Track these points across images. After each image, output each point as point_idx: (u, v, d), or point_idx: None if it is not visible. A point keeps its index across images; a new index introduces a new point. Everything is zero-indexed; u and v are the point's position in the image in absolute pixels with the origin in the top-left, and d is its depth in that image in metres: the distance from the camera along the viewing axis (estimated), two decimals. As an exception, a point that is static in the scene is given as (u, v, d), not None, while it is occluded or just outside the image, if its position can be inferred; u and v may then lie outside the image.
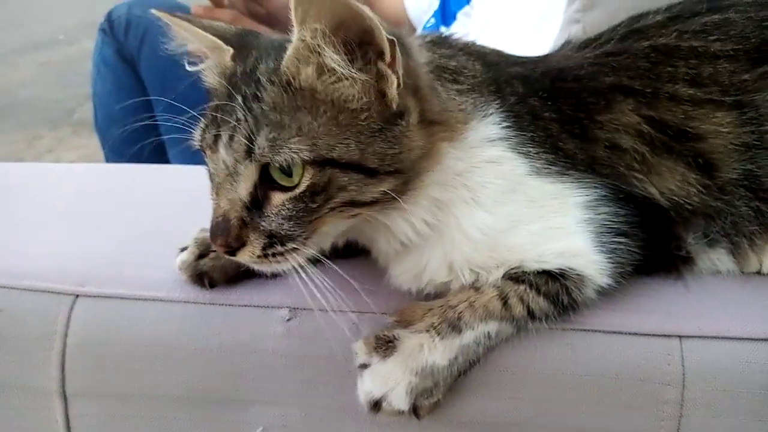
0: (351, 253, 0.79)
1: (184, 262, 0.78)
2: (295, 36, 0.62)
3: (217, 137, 0.66)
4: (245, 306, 0.76)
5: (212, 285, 0.77)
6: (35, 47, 6.01)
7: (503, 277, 0.72)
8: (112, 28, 1.63)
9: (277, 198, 0.65)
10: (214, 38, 0.71)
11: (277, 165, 0.63)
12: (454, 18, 1.62)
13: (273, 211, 0.65)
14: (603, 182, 0.73)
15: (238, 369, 0.75)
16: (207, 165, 0.70)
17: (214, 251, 0.78)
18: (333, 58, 0.62)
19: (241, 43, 0.72)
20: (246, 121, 0.63)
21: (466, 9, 1.58)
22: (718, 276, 0.79)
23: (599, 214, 0.72)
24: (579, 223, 0.72)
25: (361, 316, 0.74)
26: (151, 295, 0.77)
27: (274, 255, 0.66)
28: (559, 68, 0.79)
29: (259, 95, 0.64)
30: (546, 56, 0.86)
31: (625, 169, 0.74)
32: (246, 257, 0.67)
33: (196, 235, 0.80)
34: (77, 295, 0.77)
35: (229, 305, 0.76)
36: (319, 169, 0.63)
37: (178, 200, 0.98)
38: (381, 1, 1.92)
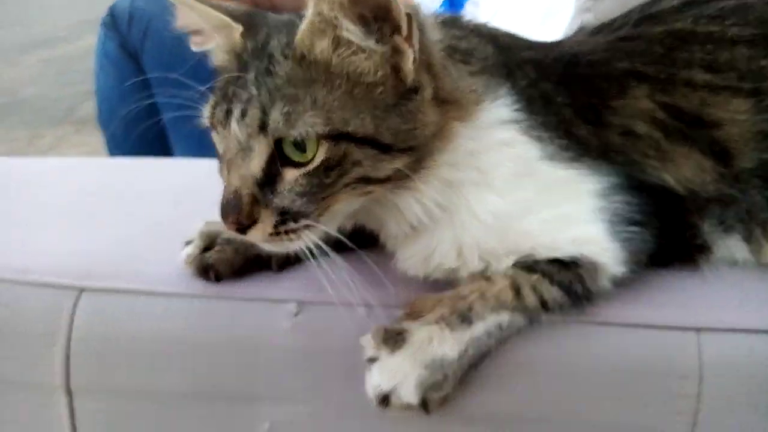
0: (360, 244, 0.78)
1: (190, 256, 0.77)
2: (310, 9, 0.62)
3: (228, 112, 0.65)
4: (252, 300, 0.74)
5: (218, 278, 0.76)
6: (36, 45, 6.01)
7: (514, 266, 0.71)
8: (114, 22, 1.62)
9: (290, 174, 0.64)
10: (223, 16, 0.70)
11: (291, 139, 0.62)
12: (462, 8, 1.61)
13: (286, 188, 0.64)
14: (617, 170, 0.72)
15: (245, 364, 0.74)
16: (215, 142, 0.69)
17: (220, 244, 0.77)
18: (350, 29, 0.62)
19: (249, 21, 0.71)
20: (259, 95, 0.63)
21: (475, -1, 1.57)
22: (735, 267, 0.77)
23: (613, 202, 0.71)
24: (592, 211, 0.71)
25: (370, 310, 0.72)
26: (156, 289, 0.76)
27: (286, 232, 0.65)
28: (571, 53, 0.78)
29: (272, 70, 0.64)
30: (559, 42, 0.85)
31: (639, 157, 0.73)
32: (258, 235, 0.65)
33: (201, 228, 0.78)
34: (81, 290, 0.76)
35: (235, 299, 0.75)
36: (334, 143, 0.62)
37: (181, 194, 0.97)
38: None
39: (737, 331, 0.71)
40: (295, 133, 0.62)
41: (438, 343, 0.66)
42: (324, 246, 0.66)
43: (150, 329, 0.75)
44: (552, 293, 0.69)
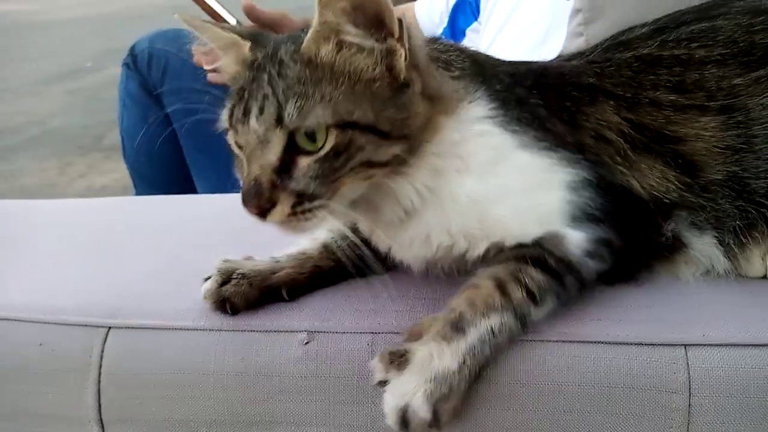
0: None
1: (208, 291, 0.82)
2: (316, 19, 0.71)
3: (246, 111, 0.73)
4: (265, 331, 0.79)
5: (234, 310, 0.82)
6: (62, 76, 6.16)
7: (491, 262, 0.78)
8: (135, 63, 1.70)
9: (304, 161, 0.72)
10: (233, 35, 0.80)
11: (304, 130, 0.70)
12: (463, 34, 1.65)
13: (300, 173, 0.72)
14: (589, 166, 0.78)
15: (261, 392, 0.79)
16: (230, 142, 0.78)
17: (236, 278, 0.82)
18: (351, 32, 0.71)
19: (255, 38, 0.81)
20: (274, 94, 0.71)
21: (475, 25, 1.61)
22: (720, 281, 0.81)
23: (581, 197, 0.77)
24: (562, 202, 0.77)
25: (375, 336, 0.78)
26: (178, 324, 0.82)
27: (303, 212, 0.72)
28: (542, 67, 0.87)
29: (284, 73, 0.73)
30: (532, 61, 0.92)
31: (609, 160, 0.80)
32: (277, 217, 0.72)
33: (218, 266, 0.84)
34: (109, 328, 0.82)
35: (250, 331, 0.80)
36: (341, 130, 0.71)
37: (200, 230, 1.03)
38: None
39: (724, 345, 0.74)
40: (307, 123, 0.70)
41: (438, 358, 0.71)
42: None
43: (173, 362, 0.80)
44: (532, 276, 0.75)
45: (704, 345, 0.74)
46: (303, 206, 0.72)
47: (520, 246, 0.78)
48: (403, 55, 0.72)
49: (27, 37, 8.38)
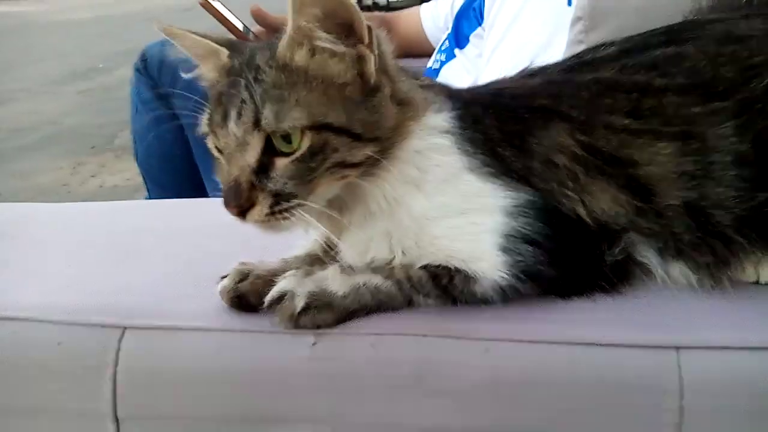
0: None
1: (225, 287, 0.86)
2: (290, 25, 0.75)
3: (225, 115, 0.77)
4: (275, 332, 0.82)
5: (249, 307, 0.85)
6: (75, 77, 6.23)
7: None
8: (146, 67, 1.73)
9: (280, 162, 0.75)
10: (211, 43, 0.84)
11: (280, 132, 0.74)
12: (467, 40, 1.67)
13: (278, 173, 0.76)
14: (532, 192, 0.80)
15: (271, 390, 0.82)
16: (210, 147, 0.82)
17: (252, 278, 0.86)
18: (323, 38, 0.75)
19: (233, 46, 0.84)
20: (252, 98, 0.75)
21: (478, 31, 1.63)
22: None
23: (517, 221, 0.79)
24: (495, 224, 0.79)
25: (379, 338, 0.81)
26: (192, 325, 0.85)
27: (280, 212, 0.76)
28: (498, 87, 0.89)
29: (260, 78, 0.76)
30: (496, 80, 0.94)
31: (557, 185, 0.81)
32: (255, 216, 0.76)
33: (235, 267, 0.87)
34: (125, 328, 0.85)
35: (260, 332, 0.83)
36: (316, 132, 0.74)
37: (211, 234, 1.06)
38: (401, 19, 1.99)
39: (716, 348, 0.76)
40: (284, 126, 0.74)
41: (332, 279, 0.80)
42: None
43: (187, 361, 0.83)
44: (416, 272, 0.81)
45: (696, 348, 0.76)
46: (280, 206, 0.76)
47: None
48: (373, 60, 0.76)
49: (40, 37, 8.46)
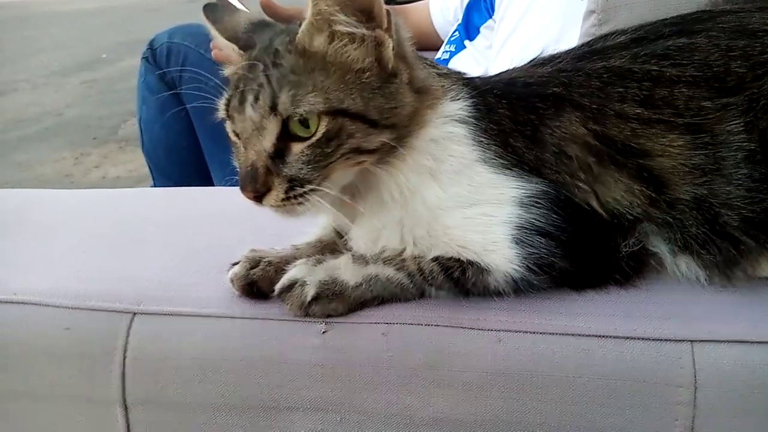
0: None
1: (236, 274, 0.85)
2: (310, 10, 0.75)
3: (242, 100, 0.77)
4: (285, 320, 0.82)
5: (261, 294, 0.84)
6: (79, 67, 6.22)
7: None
8: (154, 57, 1.73)
9: (297, 147, 0.76)
10: (227, 41, 0.85)
11: (297, 117, 0.74)
12: (477, 31, 1.66)
13: (293, 159, 0.76)
14: (545, 183, 0.80)
15: (280, 378, 0.81)
16: (228, 132, 0.82)
17: (263, 265, 0.85)
18: (344, 21, 0.75)
19: (252, 34, 0.84)
20: (269, 83, 0.75)
21: (489, 23, 1.62)
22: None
23: (530, 212, 0.79)
24: (508, 216, 0.79)
25: (389, 327, 0.80)
26: (201, 311, 0.84)
27: (295, 197, 0.76)
28: (511, 76, 0.89)
29: (278, 62, 0.76)
30: (508, 69, 0.93)
31: (569, 176, 0.81)
32: (271, 201, 0.77)
33: (246, 254, 0.87)
34: (134, 314, 0.85)
35: (270, 319, 0.82)
36: (333, 117, 0.74)
37: (219, 222, 1.06)
38: (410, 12, 1.99)
39: (729, 342, 0.76)
40: (301, 110, 0.74)
41: (344, 268, 0.81)
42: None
43: (195, 348, 0.83)
44: (429, 265, 0.81)
45: (710, 341, 0.76)
46: (295, 191, 0.76)
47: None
48: (391, 45, 0.76)
49: (43, 28, 8.45)
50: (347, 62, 0.76)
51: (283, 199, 0.76)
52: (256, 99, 0.75)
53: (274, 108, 0.74)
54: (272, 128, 0.75)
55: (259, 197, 0.76)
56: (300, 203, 0.77)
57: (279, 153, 0.76)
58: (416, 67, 0.81)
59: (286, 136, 0.76)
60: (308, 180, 0.76)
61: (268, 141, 0.76)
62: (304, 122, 0.75)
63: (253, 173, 0.76)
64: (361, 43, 0.76)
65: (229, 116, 0.79)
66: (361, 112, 0.75)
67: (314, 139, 0.75)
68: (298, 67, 0.76)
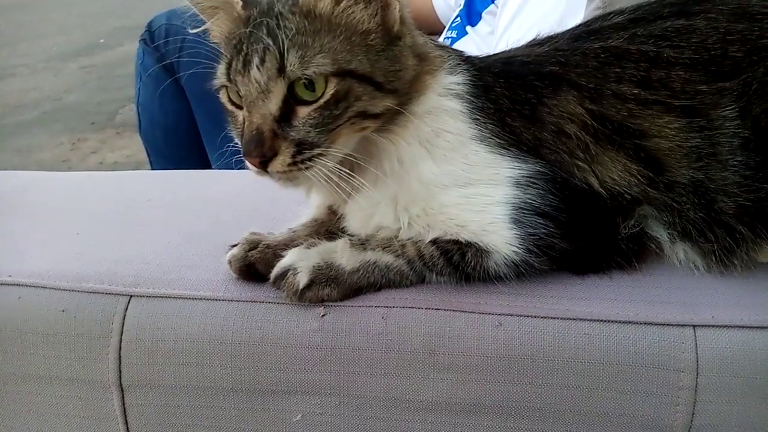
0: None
1: (235, 256, 0.85)
2: None
3: (246, 63, 0.75)
4: (283, 303, 0.81)
5: (258, 276, 0.84)
6: (77, 53, 6.19)
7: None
8: (152, 38, 1.71)
9: (303, 111, 0.75)
10: None
11: (305, 79, 0.73)
12: (479, 17, 1.65)
13: (300, 122, 0.75)
14: (541, 164, 0.79)
15: (278, 361, 0.81)
16: (224, 101, 0.81)
17: (261, 248, 0.85)
18: None
19: None
20: (275, 44, 0.74)
21: (491, 8, 1.61)
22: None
23: (527, 192, 0.78)
24: (505, 196, 0.79)
25: (389, 311, 0.80)
26: (198, 294, 0.84)
27: (303, 162, 0.75)
28: (509, 55, 0.88)
29: (282, 24, 0.75)
30: (505, 50, 0.93)
31: (567, 156, 0.80)
32: (278, 166, 0.75)
33: (245, 237, 0.86)
34: (131, 296, 0.84)
35: (269, 302, 0.82)
36: (341, 79, 0.74)
37: (217, 205, 1.05)
38: (411, -1, 1.97)
39: (731, 327, 0.76)
40: (309, 72, 0.73)
41: (341, 252, 0.80)
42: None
43: (193, 331, 0.82)
44: (429, 249, 0.80)
45: (713, 326, 0.76)
46: (303, 155, 0.75)
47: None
48: (397, 6, 0.76)
49: (42, 13, 8.40)
50: (353, 23, 0.76)
51: (290, 164, 0.75)
52: (262, 61, 0.74)
53: (281, 70, 0.73)
54: (278, 91, 0.74)
55: (264, 162, 0.75)
56: (307, 167, 0.76)
57: (285, 117, 0.75)
58: (416, 33, 0.82)
59: (292, 100, 0.75)
60: (316, 143, 0.75)
61: (274, 104, 0.75)
62: (310, 85, 0.74)
63: (259, 137, 0.74)
64: (367, 4, 0.76)
65: (231, 80, 0.77)
66: (368, 74, 0.75)
67: (322, 101, 0.74)
68: (304, 28, 0.74)
